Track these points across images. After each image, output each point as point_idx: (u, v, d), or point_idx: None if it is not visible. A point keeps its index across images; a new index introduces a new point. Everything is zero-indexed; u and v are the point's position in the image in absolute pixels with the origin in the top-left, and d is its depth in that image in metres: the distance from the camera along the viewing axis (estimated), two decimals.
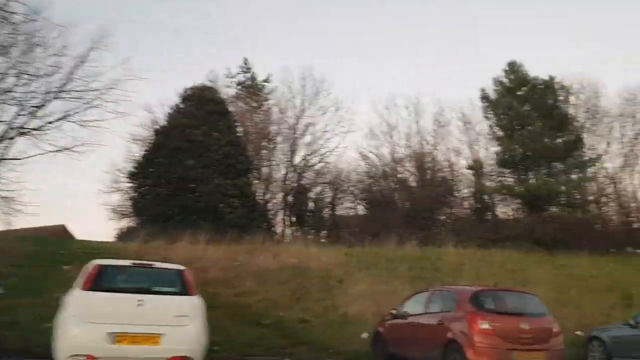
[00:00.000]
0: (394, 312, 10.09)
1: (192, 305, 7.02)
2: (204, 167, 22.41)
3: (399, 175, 28.64)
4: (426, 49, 62.29)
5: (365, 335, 11.49)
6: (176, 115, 24.74)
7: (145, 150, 24.54)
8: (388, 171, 28.96)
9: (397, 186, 28.07)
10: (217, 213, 21.66)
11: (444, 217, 27.02)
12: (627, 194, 28.40)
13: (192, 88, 25.46)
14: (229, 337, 11.33)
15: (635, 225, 27.54)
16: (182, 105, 25.00)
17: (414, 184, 28.23)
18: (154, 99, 52.56)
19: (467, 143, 29.40)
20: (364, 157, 29.40)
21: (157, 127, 25.42)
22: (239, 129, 26.93)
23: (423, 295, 9.79)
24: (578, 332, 12.81)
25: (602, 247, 22.99)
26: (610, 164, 28.78)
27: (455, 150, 29.28)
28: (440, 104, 31.73)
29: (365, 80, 50.02)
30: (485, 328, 7.92)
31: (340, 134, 29.03)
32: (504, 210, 28.59)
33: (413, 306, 9.79)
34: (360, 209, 28.94)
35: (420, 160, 28.78)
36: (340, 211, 29.01)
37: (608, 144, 28.98)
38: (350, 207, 29.20)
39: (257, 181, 26.69)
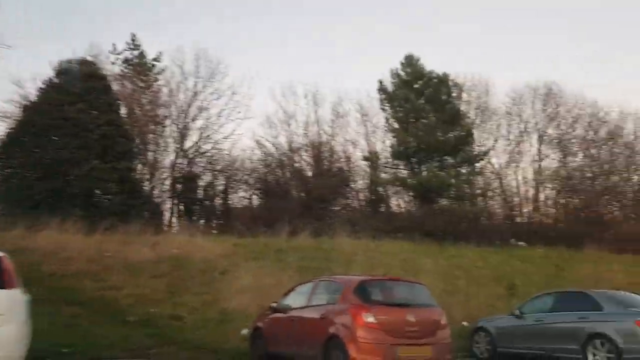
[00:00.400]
0: (274, 305, 9.10)
1: (8, 301, 5.53)
2: (78, 148, 20.10)
3: (295, 165, 27.84)
4: (328, 38, 62.09)
5: (245, 331, 10.41)
6: (49, 90, 22.08)
7: (10, 129, 21.68)
8: (284, 160, 28.07)
9: (293, 176, 27.25)
10: (92, 199, 19.53)
11: (339, 207, 26.64)
12: (512, 189, 29.79)
13: (69, 61, 22.86)
14: (86, 336, 9.80)
15: (518, 219, 28.95)
16: (56, 80, 22.37)
17: (310, 174, 27.56)
18: (27, 72, 47.68)
19: (364, 134, 29.30)
20: (260, 146, 28.29)
21: (27, 102, 22.57)
22: (123, 110, 24.71)
23: (307, 286, 8.88)
24: (465, 323, 12.64)
25: (488, 239, 23.71)
26: (497, 159, 30.05)
27: (353, 142, 29.06)
28: (339, 94, 31.38)
29: (263, 66, 48.43)
30: (370, 322, 7.17)
31: (236, 120, 27.59)
32: (398, 202, 28.87)
33: (295, 299, 8.86)
34: (255, 199, 27.81)
35: (318, 150, 28.18)
36: (233, 201, 27.69)
37: (495, 140, 30.20)
38: (244, 197, 27.99)
39: (141, 166, 24.62)
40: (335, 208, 26.43)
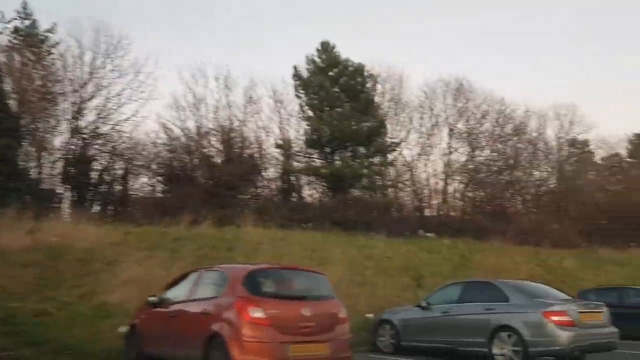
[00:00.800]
0: (152, 299, 7.87)
1: None
2: None
3: (203, 151, 26.26)
4: (242, 20, 60.12)
5: (123, 329, 9.06)
6: None
7: None
8: (192, 145, 26.39)
9: (200, 162, 25.68)
10: None
11: (248, 196, 25.46)
12: (422, 181, 29.99)
13: None
14: None
15: (427, 211, 29.20)
16: None
17: (218, 160, 26.11)
18: None
19: (277, 121, 28.26)
20: (166, 129, 26.38)
21: None
22: (9, 83, 22.03)
23: (191, 277, 7.72)
24: (369, 315, 12.00)
25: (398, 230, 23.58)
26: (409, 152, 30.13)
27: (265, 128, 27.92)
28: (252, 78, 30.00)
29: (172, 45, 45.57)
30: (258, 317, 6.16)
31: (139, 100, 25.46)
32: (310, 191, 28.15)
33: (178, 291, 7.69)
34: (158, 186, 25.93)
35: (228, 136, 26.75)
36: (133, 187, 25.64)
37: (407, 132, 30.27)
38: (146, 183, 26.01)
39: (27, 145, 22.07)
40: (244, 196, 25.22)
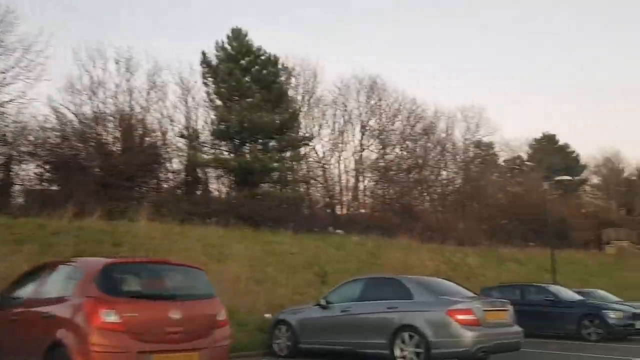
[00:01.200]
0: None
1: None
2: None
3: (99, 137, 24.05)
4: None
5: None
6: None
7: None
8: (86, 132, 24.09)
9: (95, 150, 23.48)
10: None
11: (147, 188, 23.62)
12: (333, 177, 29.52)
13: None
14: None
15: (338, 207, 28.75)
16: None
17: (116, 149, 24.03)
18: None
19: (183, 110, 26.57)
20: (57, 113, 23.88)
21: None
22: None
23: (43, 272, 6.32)
24: (268, 315, 11.03)
25: (307, 226, 22.88)
26: (321, 147, 29.57)
27: (170, 117, 26.13)
28: (157, 63, 27.90)
29: (68, 23, 41.81)
30: (111, 321, 4.97)
31: (27, 81, 22.79)
32: (217, 184, 26.73)
33: (25, 289, 6.28)
34: (45, 174, 23.40)
35: (127, 123, 24.68)
36: (17, 174, 22.96)
37: (320, 127, 29.71)
38: (32, 171, 23.40)
39: None
40: (143, 188, 23.37)
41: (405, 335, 7.81)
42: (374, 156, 30.34)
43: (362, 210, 28.71)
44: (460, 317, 7.50)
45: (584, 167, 49.51)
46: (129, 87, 25.31)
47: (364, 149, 30.15)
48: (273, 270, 14.52)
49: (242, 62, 26.03)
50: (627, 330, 12.39)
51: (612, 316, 12.24)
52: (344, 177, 29.61)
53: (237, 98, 25.37)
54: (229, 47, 26.17)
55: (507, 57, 66.07)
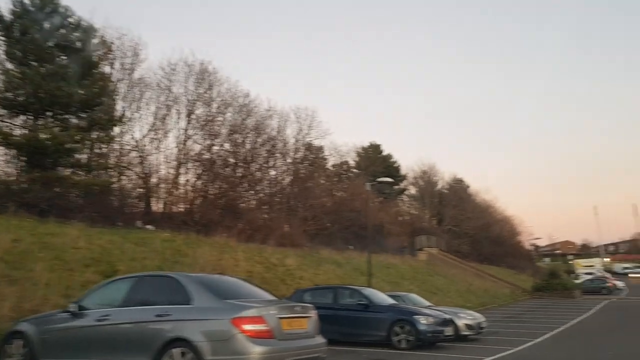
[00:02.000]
0: None
1: None
2: None
3: None
4: None
5: None
6: None
7: None
8: None
9: None
10: None
11: None
12: (151, 166, 26.48)
13: None
14: None
15: (153, 199, 25.80)
16: None
17: None
18: None
19: None
20: None
21: None
22: None
23: None
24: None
25: (111, 219, 19.85)
26: (138, 133, 26.39)
27: None
28: None
29: None
30: None
31: None
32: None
33: None
34: None
35: None
36: None
37: (139, 110, 26.50)
38: None
39: None
40: None
41: (176, 351, 5.85)
42: (198, 147, 27.91)
43: (181, 205, 26.17)
44: (247, 327, 5.77)
45: (404, 177, 52.55)
46: None
47: (188, 138, 27.58)
48: (42, 268, 11.53)
49: (45, 22, 21.97)
50: (436, 337, 11.91)
51: (422, 322, 11.65)
52: (163, 167, 26.73)
53: (34, 63, 21.29)
54: (28, 2, 21.92)
55: (343, 64, 68.20)
